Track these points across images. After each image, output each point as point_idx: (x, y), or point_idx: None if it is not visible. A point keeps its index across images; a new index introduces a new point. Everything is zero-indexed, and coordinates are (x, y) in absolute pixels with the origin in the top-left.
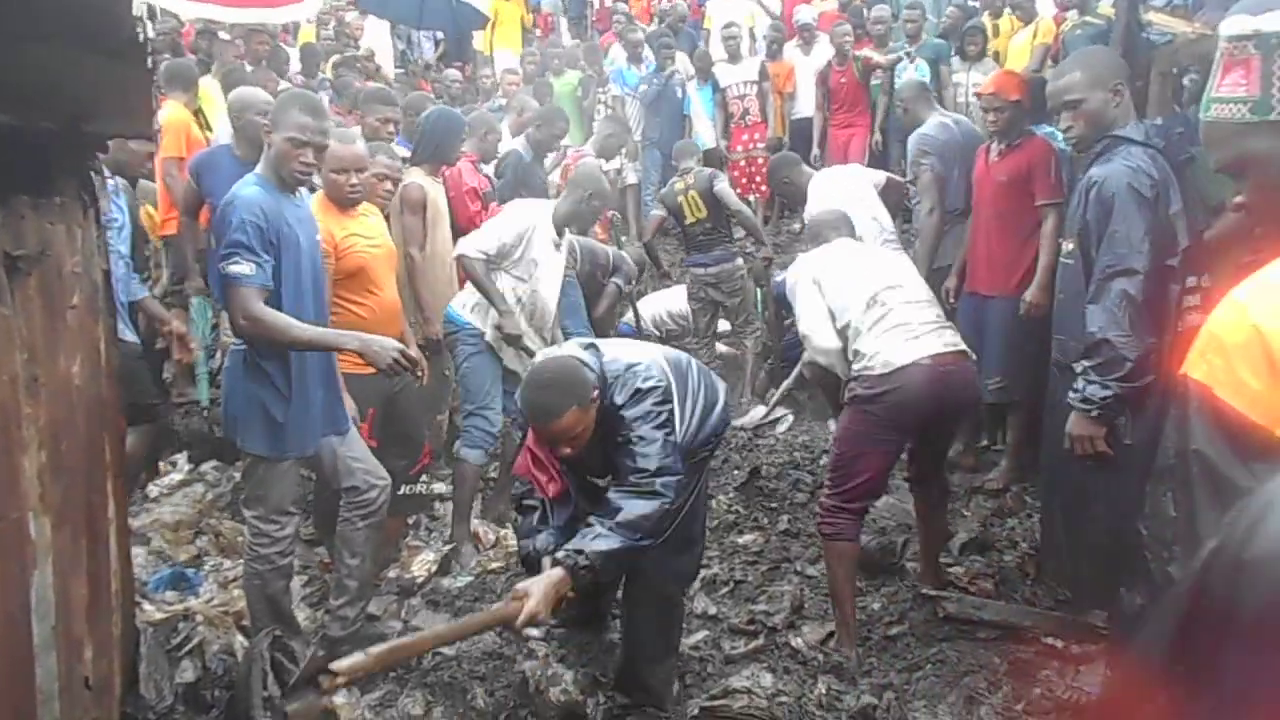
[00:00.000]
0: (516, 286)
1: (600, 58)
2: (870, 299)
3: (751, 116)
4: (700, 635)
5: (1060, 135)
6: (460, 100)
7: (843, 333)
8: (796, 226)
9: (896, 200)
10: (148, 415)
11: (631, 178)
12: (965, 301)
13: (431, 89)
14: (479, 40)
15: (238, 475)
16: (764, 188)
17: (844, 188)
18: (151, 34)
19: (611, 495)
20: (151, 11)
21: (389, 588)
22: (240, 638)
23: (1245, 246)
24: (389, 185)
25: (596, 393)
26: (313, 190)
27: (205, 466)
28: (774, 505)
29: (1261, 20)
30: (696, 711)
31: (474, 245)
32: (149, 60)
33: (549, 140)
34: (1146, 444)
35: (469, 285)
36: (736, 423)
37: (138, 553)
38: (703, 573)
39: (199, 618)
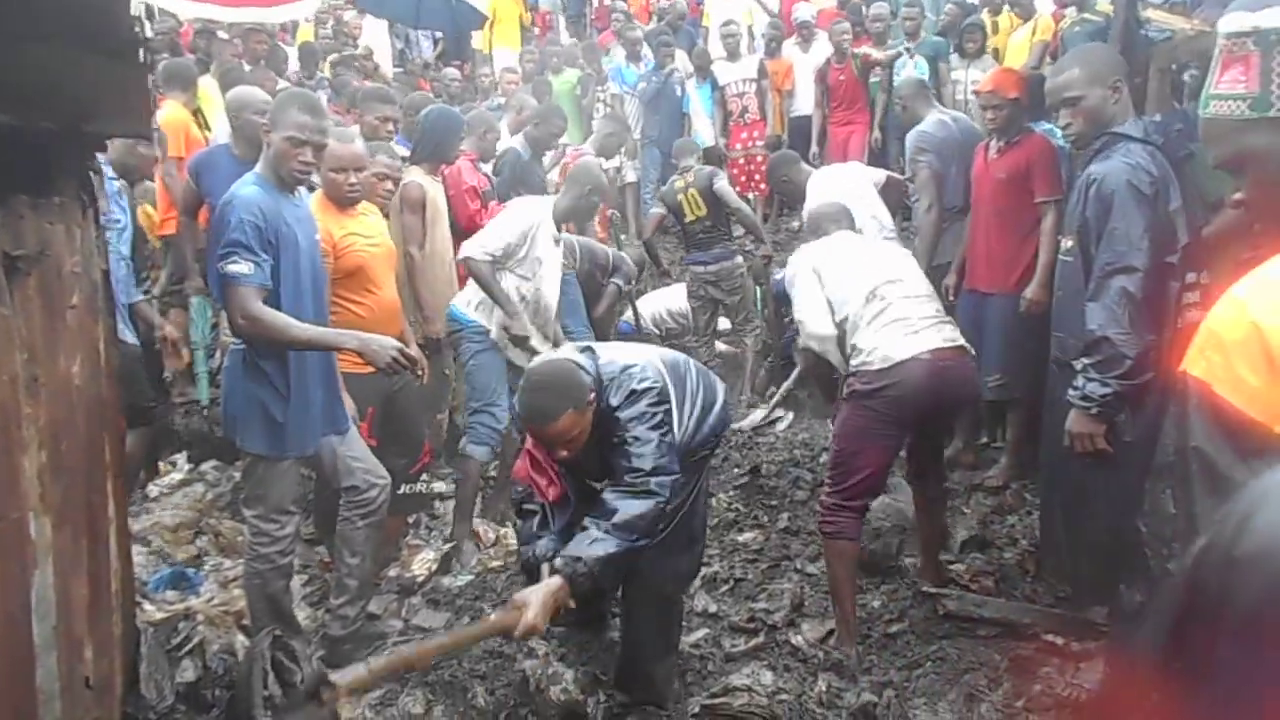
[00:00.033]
0: (521, 285)
1: (599, 56)
2: (870, 293)
3: (750, 114)
4: (700, 633)
5: (1059, 132)
6: (459, 99)
7: (841, 326)
8: (796, 224)
9: (897, 199)
10: (145, 418)
11: (630, 176)
12: (964, 299)
13: (430, 88)
14: (478, 39)
15: (238, 475)
16: (763, 186)
17: (843, 186)
18: (150, 34)
19: (607, 496)
20: (150, 11)
21: (389, 586)
22: (241, 637)
23: (1244, 243)
24: (389, 185)
25: (593, 395)
26: (312, 189)
27: (205, 466)
28: (774, 503)
29: (1260, 17)
30: (697, 709)
31: (480, 247)
32: (145, 58)
33: (546, 138)
34: (1146, 441)
35: (471, 283)
36: (736, 426)
37: (138, 552)
38: (703, 570)
39: (199, 617)
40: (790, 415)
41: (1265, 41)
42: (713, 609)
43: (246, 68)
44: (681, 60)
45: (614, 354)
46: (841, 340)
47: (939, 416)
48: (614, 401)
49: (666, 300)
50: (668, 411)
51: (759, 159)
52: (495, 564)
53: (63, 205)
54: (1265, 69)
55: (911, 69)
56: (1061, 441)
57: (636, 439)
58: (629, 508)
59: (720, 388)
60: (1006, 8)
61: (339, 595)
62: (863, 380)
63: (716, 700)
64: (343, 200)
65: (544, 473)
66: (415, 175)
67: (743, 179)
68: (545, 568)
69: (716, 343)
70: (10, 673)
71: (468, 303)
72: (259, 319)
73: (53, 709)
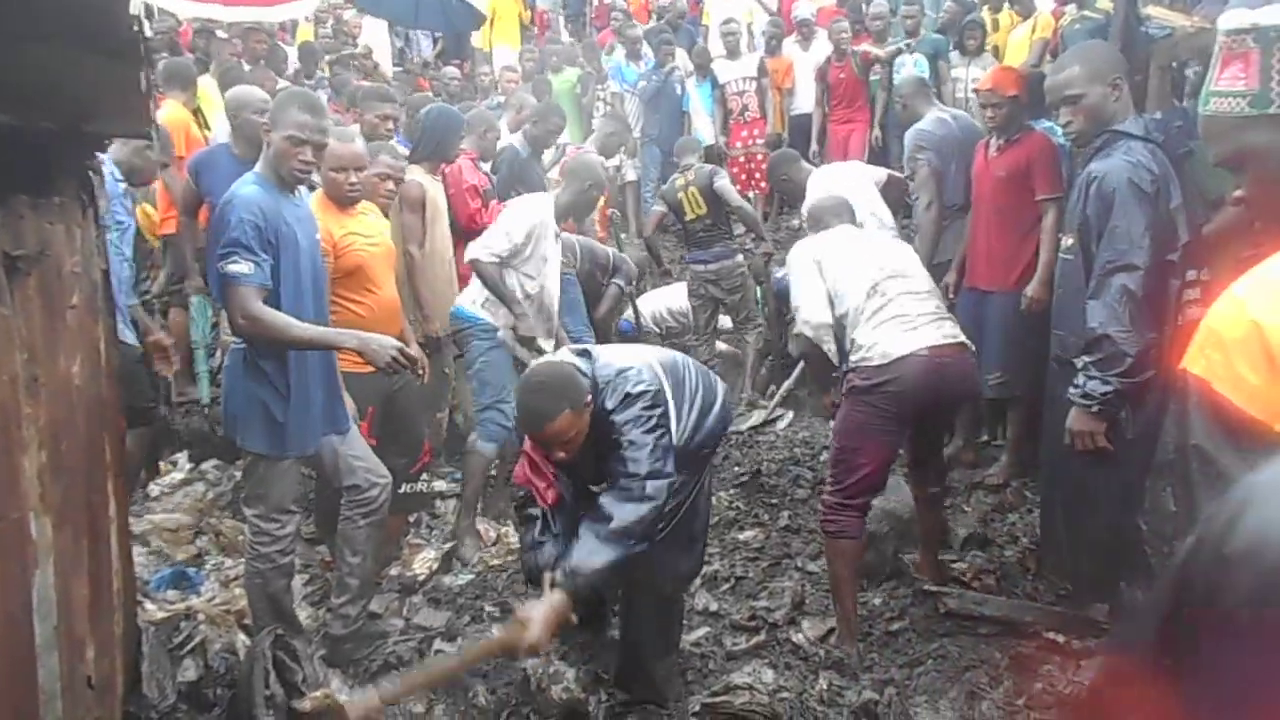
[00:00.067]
0: (526, 283)
1: (599, 55)
2: (871, 288)
3: (750, 113)
4: (701, 632)
5: (1059, 130)
6: (459, 98)
7: (841, 320)
8: (796, 223)
9: (898, 197)
10: (143, 419)
11: (631, 175)
12: (965, 297)
13: (430, 86)
14: (477, 37)
15: (238, 474)
16: (763, 184)
17: (843, 184)
18: (149, 33)
19: (603, 500)
20: (149, 11)
21: (390, 586)
22: (242, 636)
23: (1245, 241)
24: (391, 185)
25: (590, 396)
26: (312, 189)
27: (206, 465)
28: (774, 501)
29: (1260, 14)
30: (698, 708)
31: (486, 248)
32: (145, 57)
33: (545, 136)
34: (1147, 439)
35: (475, 281)
36: (735, 427)
37: (139, 552)
38: (704, 569)
39: (201, 616)
40: (791, 414)
41: (1265, 38)
42: (714, 607)
43: (246, 67)
44: (681, 59)
45: (611, 356)
46: (839, 332)
47: (938, 412)
48: (609, 404)
49: (667, 299)
50: (664, 414)
51: (759, 157)
52: (496, 563)
53: (63, 205)
54: (1265, 66)
55: (911, 67)
56: (1062, 439)
57: (631, 443)
58: (624, 513)
59: (720, 387)
60: (1006, 5)
61: (340, 594)
62: (862, 376)
63: (717, 698)
64: (343, 200)
65: (542, 475)
66: (415, 174)
67: (743, 177)
68: (548, 576)
69: (717, 342)
70: (12, 672)
71: (473, 301)
72: (259, 319)
73: (54, 709)
